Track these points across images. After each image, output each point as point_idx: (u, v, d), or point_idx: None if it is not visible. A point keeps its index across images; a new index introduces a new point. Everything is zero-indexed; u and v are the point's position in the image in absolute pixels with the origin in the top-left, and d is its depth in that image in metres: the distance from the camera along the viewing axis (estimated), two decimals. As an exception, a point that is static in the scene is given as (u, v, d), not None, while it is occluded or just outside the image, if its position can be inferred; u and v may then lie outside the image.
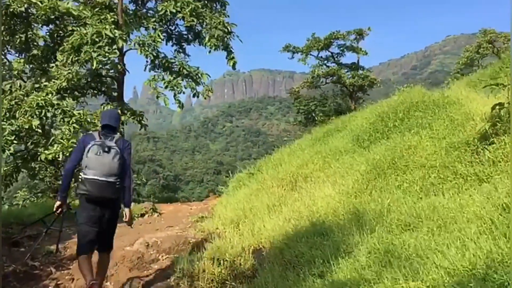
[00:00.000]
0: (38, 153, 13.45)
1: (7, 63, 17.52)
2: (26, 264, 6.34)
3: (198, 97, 14.88)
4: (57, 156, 12.23)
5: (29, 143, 14.41)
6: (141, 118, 14.62)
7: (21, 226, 8.84)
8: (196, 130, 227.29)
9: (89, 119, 13.04)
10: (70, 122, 12.74)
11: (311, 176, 7.44)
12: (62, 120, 12.95)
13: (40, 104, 12.84)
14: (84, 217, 4.71)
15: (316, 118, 28.27)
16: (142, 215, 11.15)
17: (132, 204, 11.10)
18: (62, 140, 12.38)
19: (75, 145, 10.05)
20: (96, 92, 16.22)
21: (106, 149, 4.60)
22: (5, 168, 14.89)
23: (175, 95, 14.02)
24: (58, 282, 5.81)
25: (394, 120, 7.88)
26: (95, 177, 4.54)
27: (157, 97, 13.70)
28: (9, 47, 16.68)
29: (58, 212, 5.02)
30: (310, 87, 28.22)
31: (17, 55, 17.26)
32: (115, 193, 4.67)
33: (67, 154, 12.03)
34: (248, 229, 6.37)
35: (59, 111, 12.95)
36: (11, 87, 15.45)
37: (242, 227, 6.63)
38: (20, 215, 9.27)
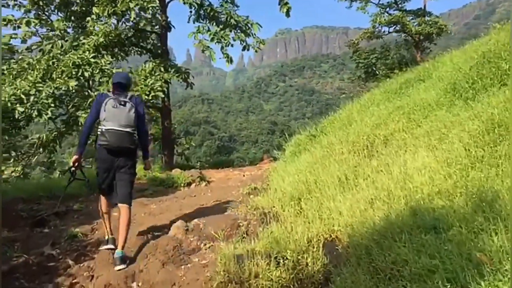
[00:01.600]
0: (79, 117, 12.43)
1: (49, 22, 16.55)
2: (42, 253, 5.16)
3: (248, 49, 13.26)
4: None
5: (70, 106, 13.44)
6: (186, 76, 13.21)
7: (51, 201, 7.81)
8: (250, 90, 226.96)
9: (129, 78, 11.77)
10: (110, 82, 11.52)
11: (393, 138, 5.74)
12: (100, 79, 11.77)
13: (77, 63, 11.71)
14: (101, 166, 5.07)
15: (378, 72, 25.88)
16: (189, 184, 9.90)
17: (178, 170, 9.77)
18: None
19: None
20: (138, 49, 14.94)
21: (122, 103, 4.90)
22: (46, 133, 14.09)
23: (222, 48, 12.49)
24: (74, 280, 4.57)
25: (508, 60, 5.88)
26: (114, 127, 4.85)
27: (203, 50, 12.19)
28: (44, 4, 15.65)
29: (75, 166, 5.14)
30: (370, 38, 25.66)
31: (58, 13, 16.23)
32: (133, 143, 4.98)
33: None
34: (313, 211, 4.83)
35: (97, 70, 11.76)
36: (52, 47, 14.46)
37: (305, 207, 5.10)
38: (51, 187, 8.21)
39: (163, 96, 12.12)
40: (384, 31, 25.30)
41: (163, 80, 12.13)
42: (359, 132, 6.16)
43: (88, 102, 11.67)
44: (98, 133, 4.94)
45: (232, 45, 12.61)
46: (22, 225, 6.25)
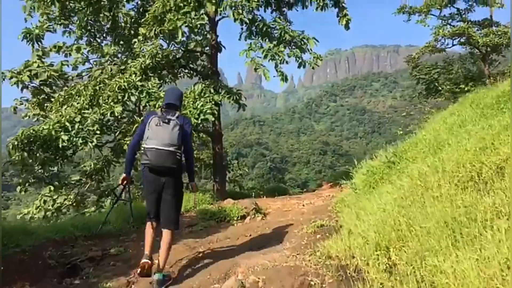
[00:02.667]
0: (125, 144, 11.69)
1: (100, 49, 16.25)
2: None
3: (304, 66, 12.12)
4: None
5: (117, 133, 12.79)
6: (238, 97, 12.22)
7: (89, 242, 6.89)
8: (300, 111, 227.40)
9: (177, 101, 10.93)
10: (156, 106, 10.72)
11: (508, 166, 4.37)
12: (147, 103, 10.99)
13: (123, 87, 11.00)
14: (146, 187, 4.95)
15: (441, 88, 24.03)
16: (243, 218, 8.78)
17: (230, 201, 8.47)
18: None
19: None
20: (187, 71, 14.19)
21: (166, 121, 4.72)
22: (94, 162, 13.48)
23: (276, 65, 11.41)
24: None
25: None
26: (155, 146, 4.67)
27: (255, 69, 11.17)
28: (95, 30, 15.31)
29: (123, 184, 5.10)
30: (432, 52, 23.89)
31: (105, 37, 15.89)
32: (175, 163, 4.73)
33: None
34: (411, 268, 3.54)
35: (144, 93, 11.00)
36: (101, 72, 14.01)
37: (398, 262, 3.81)
38: (90, 225, 7.32)
39: (213, 119, 11.16)
40: (447, 44, 23.52)
41: (213, 102, 11.20)
42: (458, 159, 4.81)
43: (135, 128, 10.88)
44: (142, 152, 4.84)
45: (287, 62, 11.51)
46: (50, 276, 5.29)
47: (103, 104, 11.14)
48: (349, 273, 4.10)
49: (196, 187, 5.36)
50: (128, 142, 11.11)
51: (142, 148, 4.80)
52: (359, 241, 4.56)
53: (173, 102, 4.96)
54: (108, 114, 10.91)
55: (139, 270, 4.80)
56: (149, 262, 4.80)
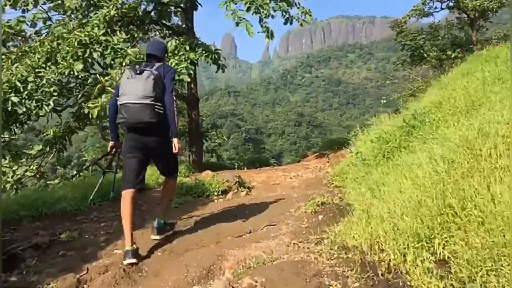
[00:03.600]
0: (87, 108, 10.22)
1: (60, 2, 14.45)
2: None
3: (291, 23, 10.79)
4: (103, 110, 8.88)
5: (79, 96, 11.26)
6: (217, 57, 10.84)
7: (37, 224, 5.58)
8: (275, 82, 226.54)
9: (147, 59, 9.51)
10: (123, 64, 9.28)
11: None
12: (112, 61, 9.52)
13: (84, 42, 9.49)
14: (126, 147, 4.35)
15: (427, 55, 22.98)
16: (224, 192, 7.57)
17: (209, 173, 8.74)
18: (110, 89, 8.97)
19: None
20: (159, 27, 12.66)
21: (138, 72, 4.20)
22: (55, 129, 11.95)
23: (261, 19, 10.06)
24: None
25: None
26: (128, 101, 4.11)
27: (237, 23, 9.78)
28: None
29: (112, 152, 4.72)
30: (420, 15, 22.70)
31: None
32: (154, 116, 4.12)
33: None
34: (479, 275, 2.44)
35: (108, 49, 9.52)
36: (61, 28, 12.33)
37: (453, 260, 2.71)
38: (41, 202, 5.98)
39: (189, 80, 9.78)
40: (435, 8, 22.36)
41: (189, 61, 9.82)
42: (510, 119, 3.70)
43: (96, 89, 9.44)
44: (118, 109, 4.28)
45: (273, 17, 10.16)
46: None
47: (61, 62, 9.61)
48: (381, 274, 2.97)
49: (179, 147, 4.37)
50: (89, 107, 9.68)
51: (118, 105, 4.24)
52: (386, 228, 3.42)
53: (153, 52, 4.49)
54: (67, 73, 9.41)
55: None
56: (136, 262, 3.97)
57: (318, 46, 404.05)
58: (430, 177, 3.48)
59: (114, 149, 4.72)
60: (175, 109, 4.28)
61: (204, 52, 10.63)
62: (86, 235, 5.04)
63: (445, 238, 2.99)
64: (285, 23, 10.80)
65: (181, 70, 9.46)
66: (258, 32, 10.08)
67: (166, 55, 4.77)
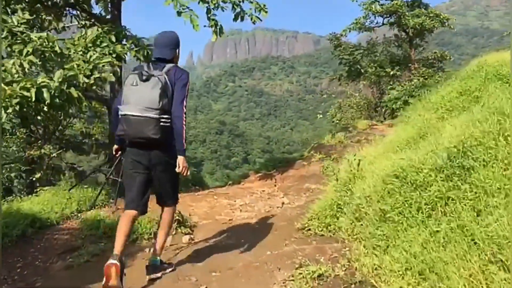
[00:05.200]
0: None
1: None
2: None
3: (242, 19, 8.98)
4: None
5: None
6: (148, 53, 8.71)
7: None
8: (199, 89, 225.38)
9: (59, 49, 7.21)
10: (25, 53, 6.91)
11: None
12: (8, 47, 7.10)
13: (-32, 20, 6.99)
14: (127, 163, 3.86)
15: (363, 71, 22.25)
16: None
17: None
18: (5, 87, 6.55)
19: (28, 94, 6.08)
20: (77, 13, 10.26)
21: (145, 77, 3.58)
22: None
23: (208, 11, 8.17)
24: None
25: None
26: (129, 112, 3.56)
27: (179, 13, 7.79)
28: None
29: (117, 155, 4.23)
30: (361, 29, 21.95)
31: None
32: (158, 132, 3.57)
33: (13, 110, 6.30)
34: None
35: (4, 32, 7.11)
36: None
37: None
38: None
39: (113, 79, 7.63)
40: (377, 22, 21.72)
41: (114, 55, 7.68)
42: None
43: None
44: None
45: (222, 9, 8.31)
46: None
47: None
48: None
49: (185, 165, 3.78)
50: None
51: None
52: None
53: (161, 56, 3.84)
54: None
55: (104, 280, 3.42)
56: (118, 264, 3.47)
57: (243, 56, 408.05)
58: None
59: (119, 152, 4.14)
60: (184, 122, 3.68)
61: (134, 46, 8.47)
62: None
63: None
64: (235, 19, 8.96)
65: (103, 66, 7.29)
66: (205, 26, 8.17)
67: (178, 50, 4.00)
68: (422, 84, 18.06)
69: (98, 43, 7.88)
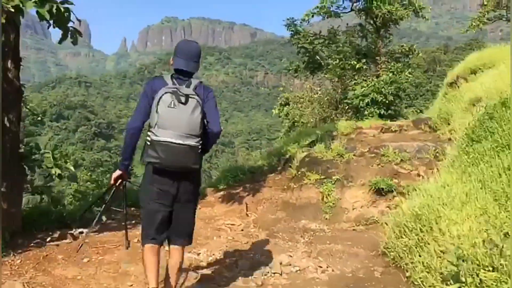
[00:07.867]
0: None
1: None
2: None
3: None
4: None
5: None
6: (59, 10, 5.41)
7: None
8: (132, 76, 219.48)
9: None
10: None
11: None
12: None
13: None
14: (152, 193, 3.22)
15: (323, 63, 19.84)
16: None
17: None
18: None
19: None
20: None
21: (183, 99, 3.08)
22: None
23: None
24: None
25: None
26: (169, 139, 3.04)
27: None
28: None
29: (117, 184, 3.45)
30: (325, 15, 19.36)
31: None
32: (198, 161, 3.17)
33: None
34: None
35: None
36: None
37: None
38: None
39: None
40: (344, 7, 19.24)
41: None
42: None
43: None
44: (147, 143, 3.11)
45: None
46: None
47: None
48: None
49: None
50: None
51: (148, 139, 3.08)
52: None
53: (188, 69, 3.28)
54: None
55: None
56: None
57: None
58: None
59: (120, 180, 3.42)
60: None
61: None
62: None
63: None
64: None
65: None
66: None
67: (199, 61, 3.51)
68: (392, 80, 15.93)
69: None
